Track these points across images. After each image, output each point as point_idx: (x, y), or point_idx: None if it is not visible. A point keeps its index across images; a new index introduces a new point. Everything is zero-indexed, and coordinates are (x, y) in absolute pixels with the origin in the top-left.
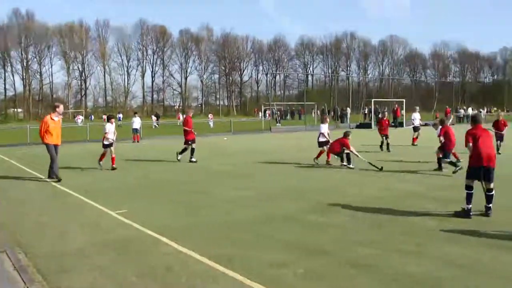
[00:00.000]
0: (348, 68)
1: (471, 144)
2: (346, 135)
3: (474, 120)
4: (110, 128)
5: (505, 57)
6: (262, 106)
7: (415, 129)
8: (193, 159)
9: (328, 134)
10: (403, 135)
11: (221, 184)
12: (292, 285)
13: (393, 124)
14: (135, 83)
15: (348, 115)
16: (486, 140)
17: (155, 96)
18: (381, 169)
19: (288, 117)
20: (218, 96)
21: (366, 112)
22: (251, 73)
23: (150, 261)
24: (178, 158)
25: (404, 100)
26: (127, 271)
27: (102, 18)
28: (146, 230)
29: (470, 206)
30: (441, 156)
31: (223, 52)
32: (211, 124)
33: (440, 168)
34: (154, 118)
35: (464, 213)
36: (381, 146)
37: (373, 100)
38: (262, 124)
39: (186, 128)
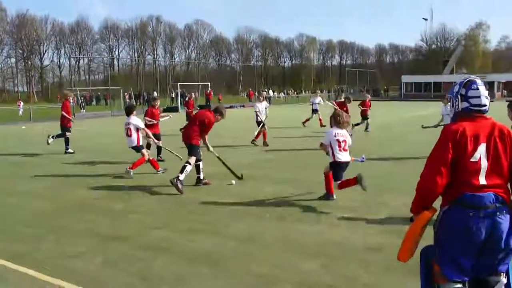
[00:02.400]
0: (155, 52)
1: None
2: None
3: None
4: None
5: (302, 43)
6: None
7: (315, 111)
8: (70, 150)
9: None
10: None
11: (13, 175)
12: (90, 275)
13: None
14: None
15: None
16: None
17: None
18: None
19: (94, 102)
20: (16, 82)
21: (173, 96)
22: (52, 57)
23: None
24: (50, 142)
25: (209, 83)
26: None
27: None
28: None
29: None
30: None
31: (20, 34)
32: (21, 111)
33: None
34: None
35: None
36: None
37: (179, 84)
38: None
39: (65, 114)
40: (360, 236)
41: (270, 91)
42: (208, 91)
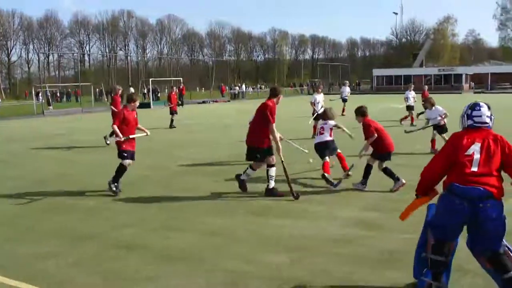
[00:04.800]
0: (127, 47)
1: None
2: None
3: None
4: None
5: (274, 37)
6: (33, 88)
7: (344, 100)
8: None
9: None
10: (191, 112)
11: None
12: (62, 276)
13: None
14: None
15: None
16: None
17: None
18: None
19: (64, 99)
20: None
21: (145, 91)
22: (21, 53)
23: None
24: (108, 142)
25: (181, 78)
26: None
27: None
28: None
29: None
30: None
31: None
32: None
33: None
34: None
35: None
36: (171, 126)
37: (151, 79)
38: (34, 107)
39: (114, 109)
40: (333, 229)
41: (243, 86)
42: (180, 87)
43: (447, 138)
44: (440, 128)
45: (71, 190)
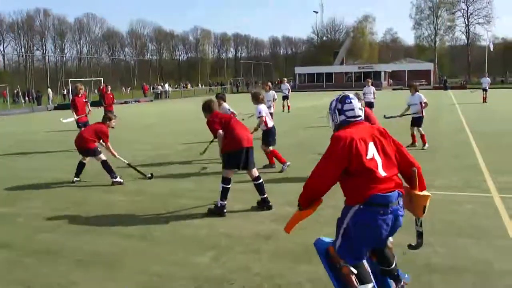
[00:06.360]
0: (44, 47)
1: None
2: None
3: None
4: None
5: (197, 36)
6: None
7: (285, 97)
8: None
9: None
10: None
11: None
12: None
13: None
14: None
15: (50, 97)
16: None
17: None
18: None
19: None
20: None
21: (65, 92)
22: None
23: None
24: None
25: (102, 78)
26: None
27: None
28: None
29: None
30: None
31: None
32: None
33: None
34: None
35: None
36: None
37: (70, 80)
38: None
39: (73, 111)
40: (251, 225)
41: (166, 85)
42: (101, 87)
43: (423, 132)
44: (417, 121)
45: None
